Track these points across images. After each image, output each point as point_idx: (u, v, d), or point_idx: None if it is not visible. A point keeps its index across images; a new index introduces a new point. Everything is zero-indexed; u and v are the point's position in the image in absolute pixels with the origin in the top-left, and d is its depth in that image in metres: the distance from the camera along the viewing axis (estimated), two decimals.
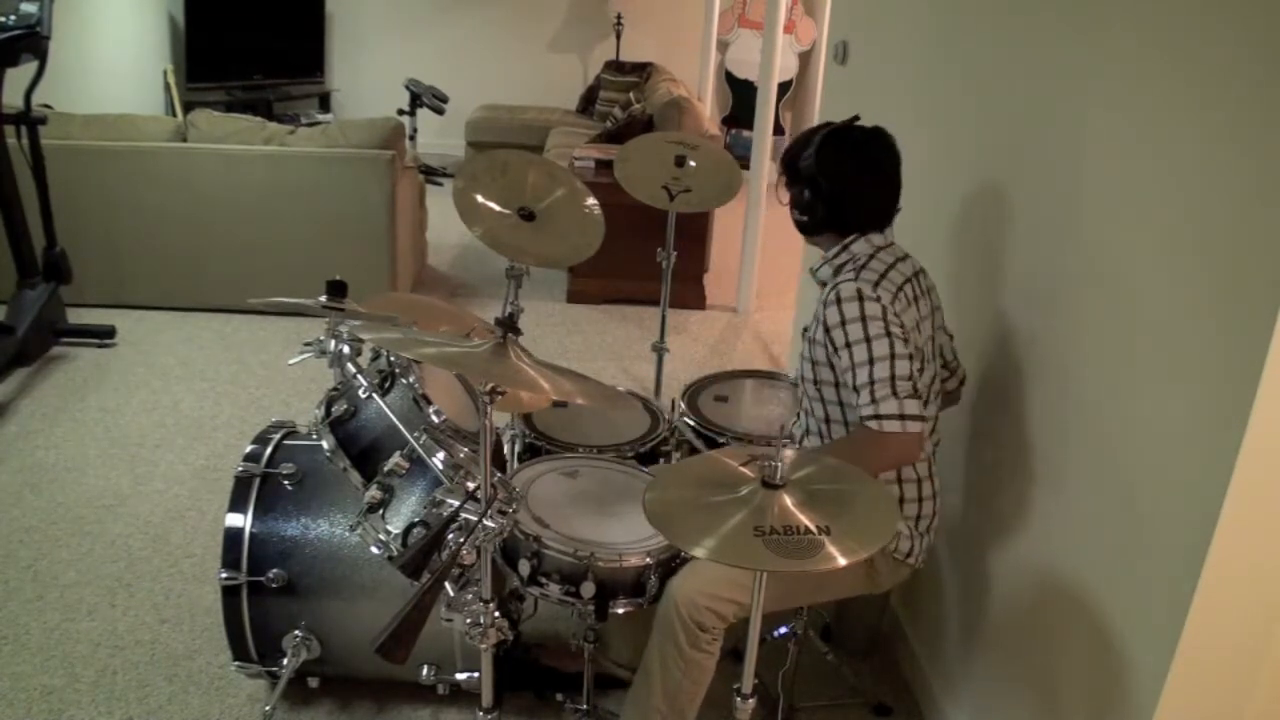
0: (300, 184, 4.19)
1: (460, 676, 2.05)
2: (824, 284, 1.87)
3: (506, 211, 2.13)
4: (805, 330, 1.88)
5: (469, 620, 1.70)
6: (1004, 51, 2.03)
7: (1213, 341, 1.32)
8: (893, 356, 1.68)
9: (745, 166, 2.36)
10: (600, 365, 4.06)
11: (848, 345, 1.72)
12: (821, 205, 1.82)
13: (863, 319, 1.70)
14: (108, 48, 5.87)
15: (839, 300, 1.72)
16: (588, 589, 1.77)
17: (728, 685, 1.56)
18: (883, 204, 1.85)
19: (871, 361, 1.69)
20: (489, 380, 1.52)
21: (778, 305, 4.89)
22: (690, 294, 4.79)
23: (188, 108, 6.17)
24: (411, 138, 6.54)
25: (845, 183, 1.81)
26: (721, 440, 2.26)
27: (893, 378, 1.68)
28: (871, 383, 1.69)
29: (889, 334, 1.69)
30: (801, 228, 1.89)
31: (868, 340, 1.69)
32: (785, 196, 1.92)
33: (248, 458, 2.08)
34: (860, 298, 1.71)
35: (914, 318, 1.77)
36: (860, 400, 1.70)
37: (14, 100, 3.43)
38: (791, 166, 1.87)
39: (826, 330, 1.75)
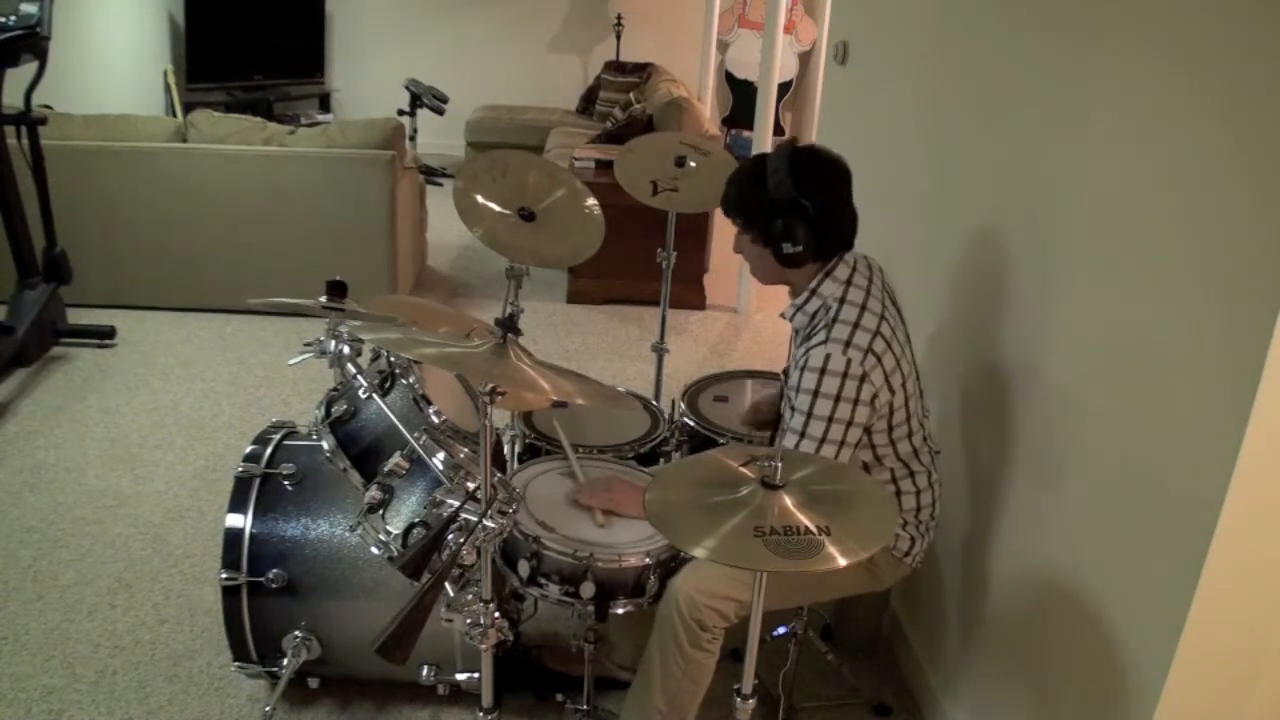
0: (300, 184, 4.19)
1: (460, 677, 2.05)
2: (798, 331, 1.86)
3: (506, 212, 2.13)
4: (785, 374, 1.87)
5: (469, 620, 1.70)
6: (1004, 50, 2.03)
7: (1213, 341, 1.32)
8: (832, 421, 1.72)
9: None
10: (600, 365, 4.06)
11: (800, 390, 1.75)
12: (809, 230, 1.74)
13: (824, 375, 1.72)
14: (108, 48, 5.87)
15: (818, 370, 1.72)
16: (587, 589, 1.77)
17: (728, 685, 1.55)
18: (855, 218, 1.83)
19: (810, 418, 1.72)
20: (489, 381, 1.52)
21: (777, 305, 4.87)
22: (690, 294, 4.79)
23: (188, 108, 6.18)
24: (411, 138, 6.53)
25: (832, 199, 1.77)
26: (721, 440, 2.26)
27: (822, 442, 1.72)
28: (802, 434, 1.74)
29: (850, 401, 1.71)
30: (787, 262, 1.77)
31: (821, 396, 1.72)
32: (744, 245, 1.83)
33: (248, 458, 2.08)
34: (827, 371, 1.72)
35: (892, 359, 1.76)
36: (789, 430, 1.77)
37: (14, 100, 3.43)
38: (754, 203, 1.78)
39: (797, 391, 1.76)
